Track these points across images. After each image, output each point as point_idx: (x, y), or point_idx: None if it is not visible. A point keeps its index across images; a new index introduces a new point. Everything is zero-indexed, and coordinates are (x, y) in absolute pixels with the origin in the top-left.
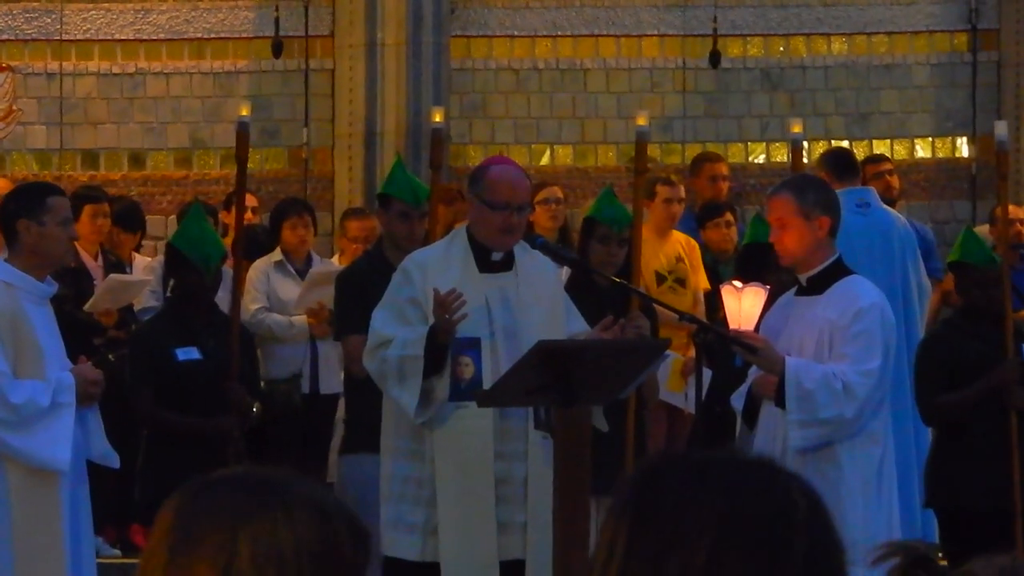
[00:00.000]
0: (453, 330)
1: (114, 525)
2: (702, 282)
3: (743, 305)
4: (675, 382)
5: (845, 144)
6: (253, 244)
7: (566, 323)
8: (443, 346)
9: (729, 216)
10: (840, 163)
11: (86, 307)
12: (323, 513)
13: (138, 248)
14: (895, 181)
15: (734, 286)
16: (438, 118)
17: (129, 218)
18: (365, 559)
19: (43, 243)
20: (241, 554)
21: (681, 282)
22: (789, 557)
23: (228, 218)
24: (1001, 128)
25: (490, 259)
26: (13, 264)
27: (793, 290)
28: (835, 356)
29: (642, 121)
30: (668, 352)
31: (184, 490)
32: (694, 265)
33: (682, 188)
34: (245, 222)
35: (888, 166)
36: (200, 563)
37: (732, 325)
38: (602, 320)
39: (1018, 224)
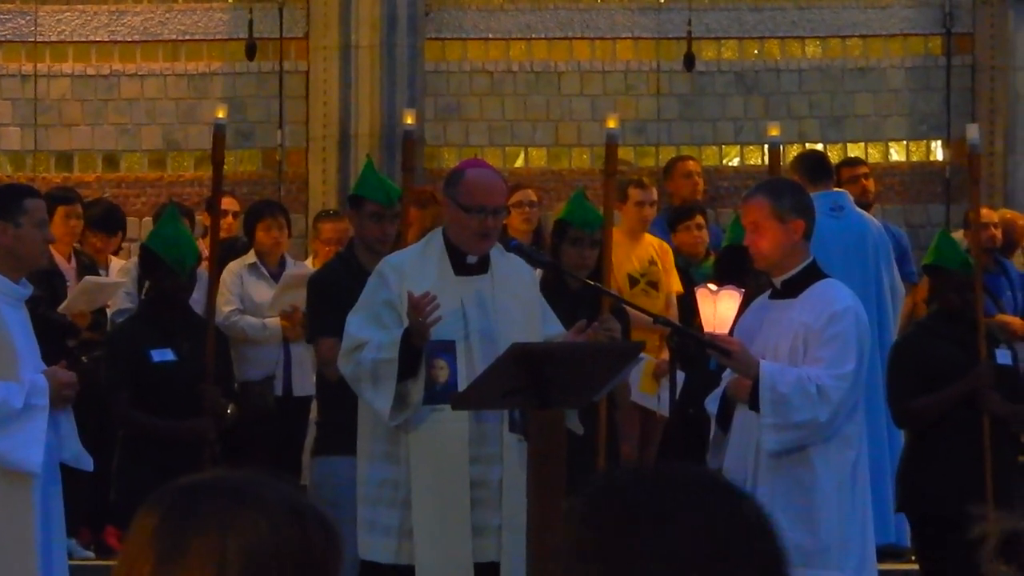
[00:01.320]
0: (427, 333)
1: (88, 527)
2: (675, 285)
3: (718, 308)
4: (648, 384)
5: (819, 147)
6: (232, 255)
7: (542, 326)
8: (417, 349)
9: (700, 219)
10: (814, 166)
11: (60, 308)
12: (299, 515)
13: (118, 251)
14: (871, 185)
15: (709, 289)
16: (410, 120)
17: (108, 221)
18: (337, 559)
19: (19, 245)
20: (230, 561)
21: (654, 285)
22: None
23: (207, 220)
24: (973, 131)
25: (466, 262)
26: None
27: (767, 293)
28: (809, 359)
29: (612, 124)
30: (641, 355)
31: (163, 497)
32: (667, 268)
33: (654, 191)
34: (226, 227)
35: (864, 169)
36: (190, 572)
37: (707, 328)
38: (576, 323)
39: (991, 228)
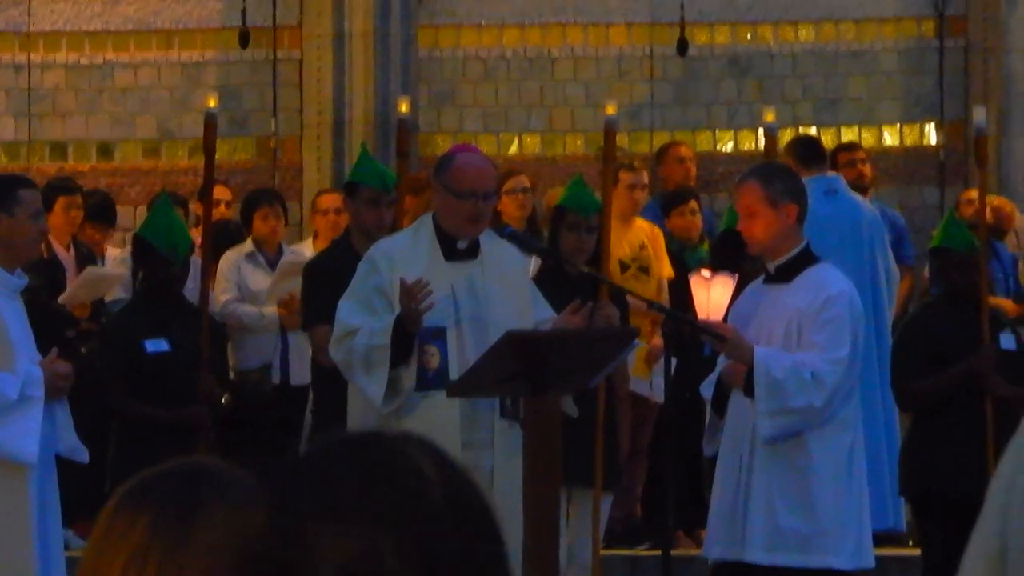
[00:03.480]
0: (420, 319)
1: (85, 518)
2: (666, 270)
3: (711, 295)
4: (640, 369)
5: (813, 131)
6: (225, 238)
7: (532, 311)
8: (410, 335)
9: (694, 204)
10: (807, 150)
11: (61, 299)
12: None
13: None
14: (867, 169)
15: (702, 276)
16: (404, 108)
17: (105, 212)
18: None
19: (13, 235)
20: (231, 546)
21: (645, 270)
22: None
23: (200, 209)
24: (979, 114)
25: (456, 247)
26: None
27: (761, 278)
28: (804, 344)
29: (611, 110)
30: (635, 340)
31: (149, 492)
32: (657, 253)
33: (645, 174)
34: (219, 215)
35: (861, 154)
36: (197, 563)
37: (701, 314)
38: (569, 304)
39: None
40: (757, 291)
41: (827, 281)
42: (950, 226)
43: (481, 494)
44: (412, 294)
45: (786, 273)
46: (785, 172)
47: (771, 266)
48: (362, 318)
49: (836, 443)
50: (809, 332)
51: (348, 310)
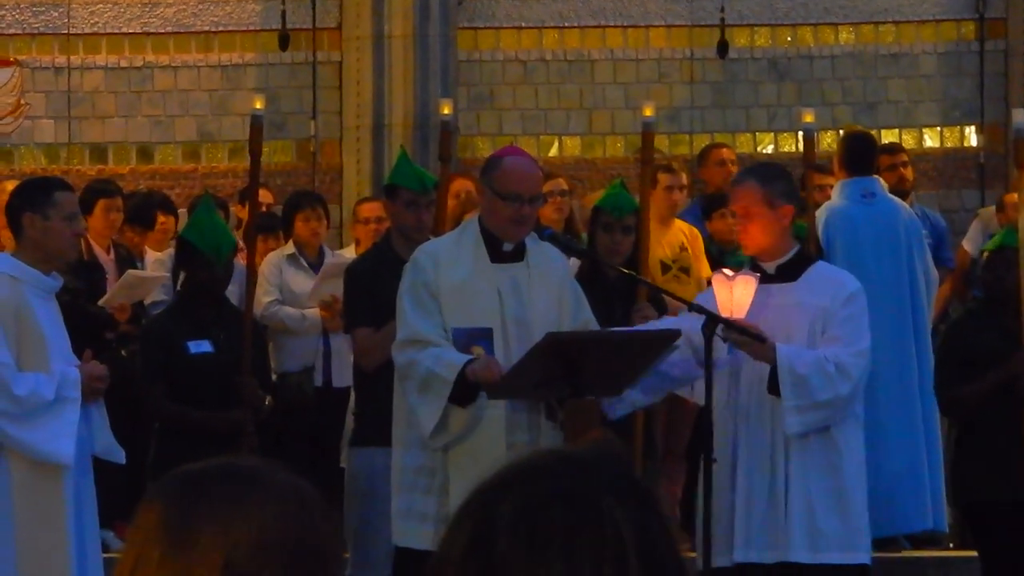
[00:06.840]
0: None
1: (124, 519)
2: (705, 270)
3: (734, 294)
4: None
5: None
6: (268, 230)
7: (576, 312)
8: (472, 390)
9: None
10: (857, 156)
11: (101, 301)
12: (304, 501)
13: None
14: (909, 173)
15: (724, 275)
16: (447, 110)
17: (142, 214)
18: (339, 546)
19: (47, 238)
20: (239, 546)
21: (685, 271)
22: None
23: (242, 212)
24: (1019, 116)
25: (501, 249)
26: (19, 258)
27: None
28: (826, 339)
29: (649, 112)
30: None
31: (167, 486)
32: (697, 254)
33: (683, 175)
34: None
35: (903, 157)
36: (198, 559)
37: (723, 313)
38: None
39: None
40: (757, 291)
41: (844, 279)
42: (1006, 236)
43: (676, 552)
44: (492, 373)
45: (788, 273)
46: (781, 173)
47: (771, 267)
48: (429, 324)
49: (857, 440)
50: (831, 327)
51: (415, 314)
